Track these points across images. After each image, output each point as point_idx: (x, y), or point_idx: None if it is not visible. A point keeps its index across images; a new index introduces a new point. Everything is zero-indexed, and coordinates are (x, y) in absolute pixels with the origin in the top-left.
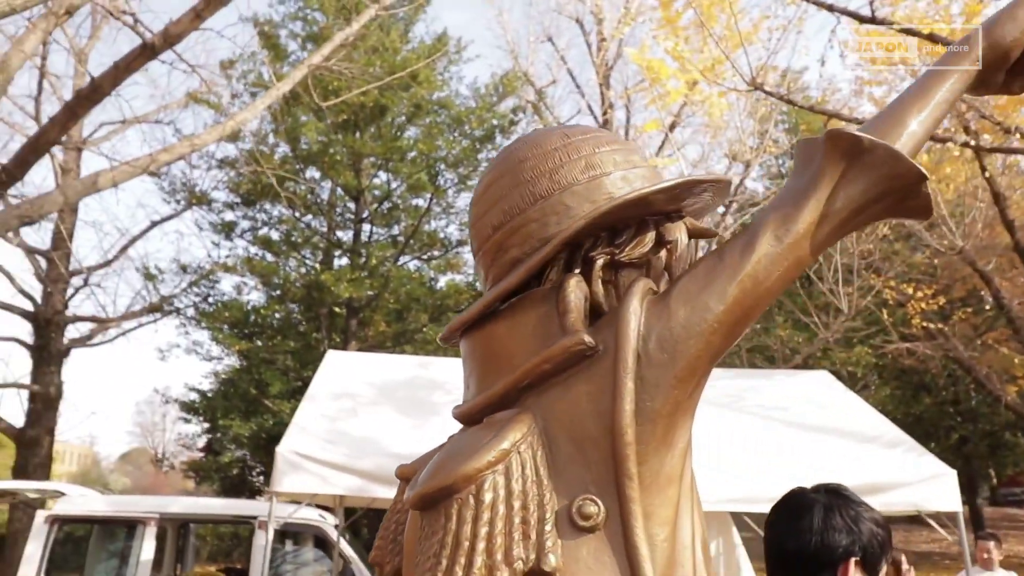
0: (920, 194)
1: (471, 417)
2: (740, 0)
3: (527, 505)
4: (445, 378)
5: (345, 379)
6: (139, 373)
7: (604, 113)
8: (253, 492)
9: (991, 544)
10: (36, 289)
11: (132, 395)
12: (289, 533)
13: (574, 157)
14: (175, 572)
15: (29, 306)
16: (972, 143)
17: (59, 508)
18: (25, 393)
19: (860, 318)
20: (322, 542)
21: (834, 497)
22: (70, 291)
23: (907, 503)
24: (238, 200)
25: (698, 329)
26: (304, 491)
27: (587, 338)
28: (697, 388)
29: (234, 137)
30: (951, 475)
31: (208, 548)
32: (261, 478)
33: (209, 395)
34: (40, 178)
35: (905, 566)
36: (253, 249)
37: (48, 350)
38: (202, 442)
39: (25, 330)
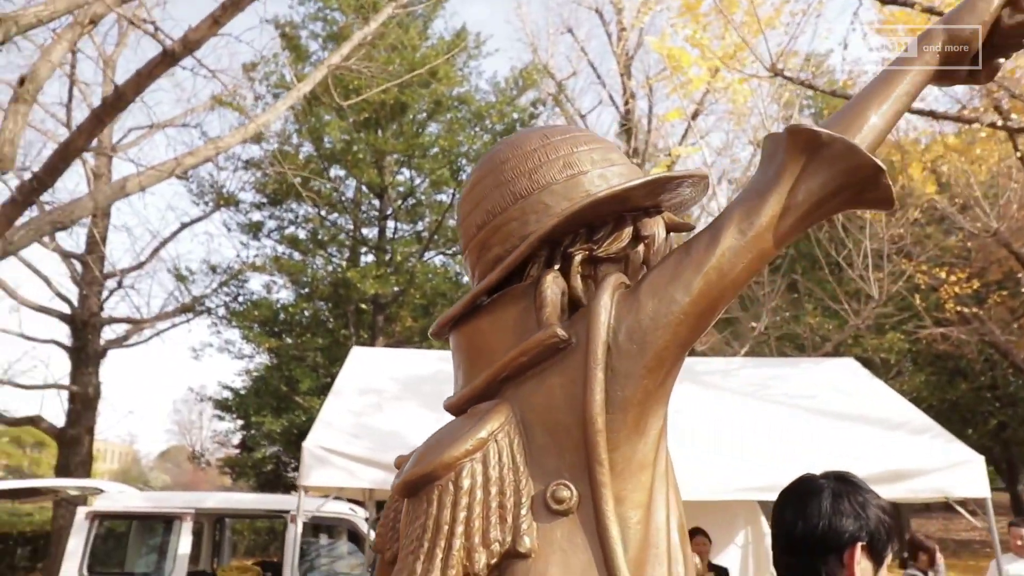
0: (880, 186)
1: (458, 408)
2: None
3: (504, 490)
4: None
5: (370, 374)
6: (175, 372)
7: (625, 103)
8: (287, 487)
9: None
10: (72, 292)
11: (169, 394)
12: (323, 527)
13: (552, 157)
14: (212, 566)
15: (66, 309)
16: (999, 123)
17: (99, 505)
18: (65, 394)
19: (892, 304)
20: (355, 536)
21: (842, 483)
22: (105, 293)
23: (934, 489)
24: (265, 200)
25: (665, 320)
26: (331, 485)
27: (560, 331)
28: (668, 377)
29: (258, 138)
30: (979, 461)
31: (245, 543)
32: (295, 473)
33: (242, 393)
34: (74, 184)
35: (939, 556)
36: (281, 248)
37: (86, 351)
38: (237, 439)
39: (63, 332)
